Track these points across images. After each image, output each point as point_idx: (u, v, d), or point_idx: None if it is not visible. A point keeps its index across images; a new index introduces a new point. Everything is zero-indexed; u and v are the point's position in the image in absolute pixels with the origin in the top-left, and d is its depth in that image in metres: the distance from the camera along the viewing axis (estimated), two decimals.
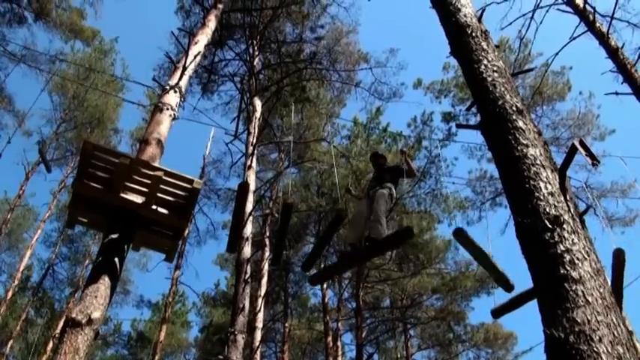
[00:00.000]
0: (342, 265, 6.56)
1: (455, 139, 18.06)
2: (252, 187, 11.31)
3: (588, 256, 3.27)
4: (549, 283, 3.08)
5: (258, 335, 12.26)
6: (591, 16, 11.12)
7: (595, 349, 2.71)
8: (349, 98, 18.84)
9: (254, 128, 12.53)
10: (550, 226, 3.43)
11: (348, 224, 7.01)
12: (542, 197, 3.66)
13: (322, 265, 19.22)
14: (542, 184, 3.77)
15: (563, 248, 3.26)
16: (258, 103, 13.45)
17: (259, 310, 12.61)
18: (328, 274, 7.40)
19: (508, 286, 6.39)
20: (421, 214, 18.65)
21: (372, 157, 7.41)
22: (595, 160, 4.73)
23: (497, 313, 6.68)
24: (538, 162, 3.95)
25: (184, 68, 8.05)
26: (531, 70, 12.64)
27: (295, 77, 16.09)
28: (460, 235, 5.88)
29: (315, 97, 17.58)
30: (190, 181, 5.66)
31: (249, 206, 10.66)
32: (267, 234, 16.75)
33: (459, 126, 10.65)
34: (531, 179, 3.83)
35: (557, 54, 12.08)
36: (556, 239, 3.31)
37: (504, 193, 4.39)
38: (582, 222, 3.67)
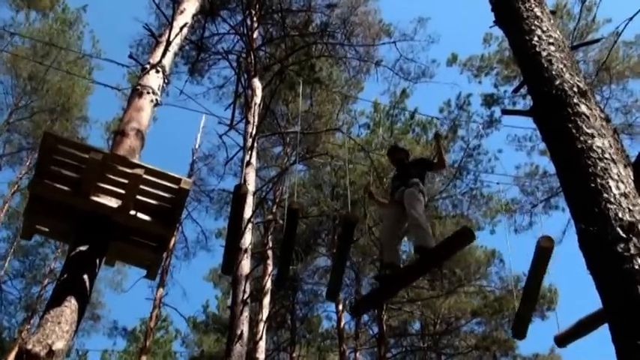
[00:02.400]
0: (387, 291, 6.55)
1: (499, 127, 17.97)
2: (251, 187, 11.30)
3: None
4: (625, 307, 3.01)
5: None
6: None
7: None
8: (368, 79, 18.80)
9: (253, 116, 12.52)
10: (623, 235, 3.36)
11: (380, 241, 7.05)
12: (612, 199, 3.59)
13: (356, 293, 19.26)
14: (612, 183, 3.70)
15: None
16: (258, 85, 13.43)
17: (260, 338, 12.60)
18: (371, 302, 7.39)
19: (519, 331, 6.34)
20: (457, 218, 18.58)
21: (391, 152, 7.49)
22: None
23: (563, 340, 6.58)
24: (607, 155, 3.88)
25: (168, 43, 8.04)
26: (596, 41, 12.40)
27: (303, 54, 16.07)
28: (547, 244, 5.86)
29: (326, 78, 17.56)
30: (177, 181, 5.65)
31: (247, 211, 10.64)
32: (270, 245, 16.76)
33: (504, 112, 10.56)
34: (598, 177, 3.76)
35: (630, 19, 11.81)
36: (632, 251, 3.24)
37: (563, 193, 4.32)
38: None
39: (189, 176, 17.77)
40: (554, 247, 5.90)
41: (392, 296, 14.02)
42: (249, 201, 10.96)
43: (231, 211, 6.15)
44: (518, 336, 6.49)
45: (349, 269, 20.94)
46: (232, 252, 6.67)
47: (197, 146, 19.96)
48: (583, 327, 6.36)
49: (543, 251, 5.89)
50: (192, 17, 9.21)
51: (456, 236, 5.79)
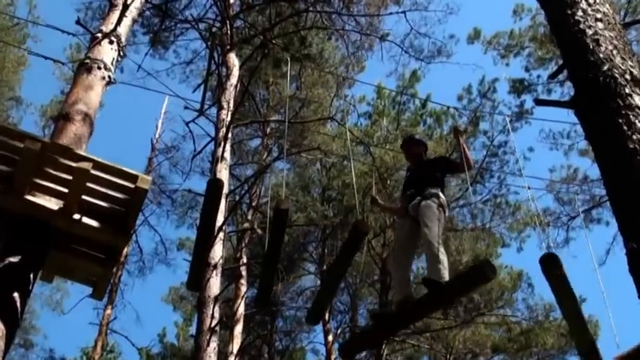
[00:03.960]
0: (385, 331, 6.56)
1: (530, 120, 18.03)
2: (224, 188, 11.29)
3: None
4: None
5: None
6: None
7: None
8: (371, 57, 18.77)
9: (228, 101, 12.52)
10: None
11: (391, 268, 7.06)
12: None
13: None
14: None
15: None
16: (234, 62, 13.42)
17: None
18: (365, 342, 7.36)
19: (592, 355, 6.35)
20: (477, 232, 18.62)
21: (406, 144, 7.37)
22: None
23: None
24: None
25: (125, 7, 8.02)
26: None
27: (291, 24, 16.06)
28: (551, 265, 5.81)
29: (319, 55, 17.57)
30: (133, 179, 5.62)
31: (219, 218, 10.61)
32: (245, 260, 16.73)
33: (538, 102, 10.49)
34: None
35: None
36: None
37: (610, 203, 4.34)
38: None
39: (148, 173, 17.70)
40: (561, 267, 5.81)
41: (391, 336, 14.06)
42: (222, 205, 10.94)
43: (202, 213, 6.09)
44: None
45: (343, 291, 20.97)
46: (199, 266, 6.64)
47: (158, 136, 19.93)
48: None
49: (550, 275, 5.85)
50: None
51: (473, 272, 5.78)
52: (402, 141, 7.70)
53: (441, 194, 6.45)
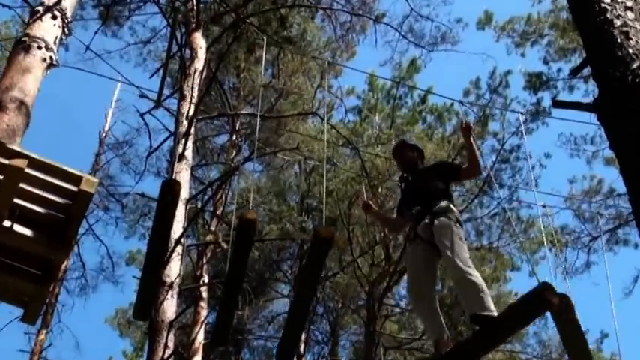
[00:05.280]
0: None
1: (548, 121, 18.10)
2: (183, 193, 11.27)
3: None
4: None
5: None
6: None
7: None
8: (363, 42, 18.82)
9: (191, 89, 12.50)
10: None
11: (414, 307, 6.96)
12: None
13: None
14: None
15: None
16: (200, 44, 13.42)
17: None
18: None
19: None
20: (482, 252, 18.65)
21: (399, 149, 7.35)
22: None
23: None
24: None
25: None
26: None
27: (268, 1, 16.06)
28: (562, 307, 5.82)
29: (301, 37, 17.58)
30: (76, 180, 5.61)
31: (176, 228, 10.60)
32: (206, 279, 16.69)
33: (556, 103, 10.58)
34: None
35: None
36: None
37: (635, 223, 4.39)
38: None
39: (94, 173, 17.65)
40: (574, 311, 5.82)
41: None
42: (180, 213, 10.92)
43: (155, 222, 6.07)
44: None
45: (322, 317, 20.96)
46: (151, 287, 6.63)
47: (107, 129, 19.85)
48: None
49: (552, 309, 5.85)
50: None
51: (531, 299, 5.67)
52: (394, 147, 7.65)
53: (454, 208, 6.42)
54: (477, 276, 5.90)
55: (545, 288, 5.50)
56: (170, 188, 5.74)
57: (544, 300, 5.48)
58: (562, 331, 5.92)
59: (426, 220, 6.32)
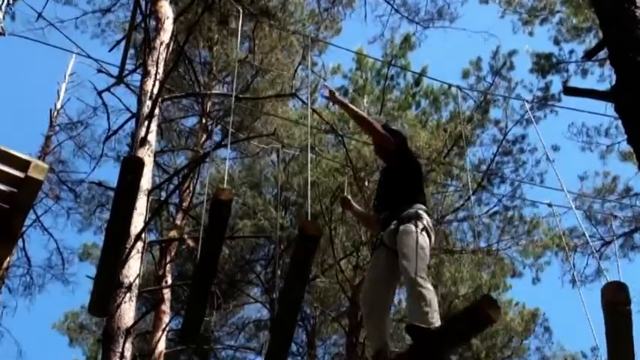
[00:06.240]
0: None
1: (556, 109, 18.15)
2: (145, 183, 11.26)
3: None
4: None
5: None
6: None
7: None
8: (350, 16, 18.87)
9: (156, 65, 12.49)
10: None
11: (362, 311, 7.03)
12: None
13: None
14: None
15: None
16: (167, 13, 13.41)
17: None
18: None
19: None
20: (480, 255, 18.71)
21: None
22: None
23: None
24: None
25: None
26: None
27: None
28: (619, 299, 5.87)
29: (281, 8, 17.56)
30: (23, 165, 5.62)
31: (137, 222, 10.60)
32: (169, 279, 16.69)
33: (569, 90, 10.62)
34: None
35: None
36: None
37: None
38: None
39: (44, 157, 17.56)
40: (630, 302, 5.89)
41: None
42: (141, 204, 10.92)
43: (112, 212, 6.05)
44: None
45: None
46: (107, 287, 6.55)
47: (60, 107, 19.73)
48: None
49: (613, 310, 5.91)
50: None
51: (470, 314, 5.73)
52: None
53: (423, 214, 6.43)
54: (428, 289, 5.94)
55: (484, 301, 5.61)
56: (131, 166, 5.67)
57: (482, 315, 5.54)
58: (612, 329, 5.99)
59: (392, 226, 6.40)
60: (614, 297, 5.80)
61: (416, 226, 6.25)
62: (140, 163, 5.75)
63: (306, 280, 6.25)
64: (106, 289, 6.56)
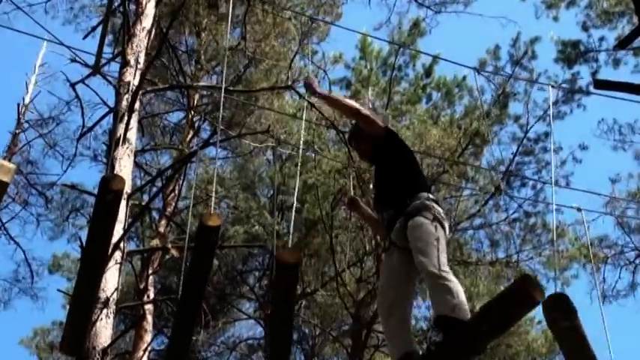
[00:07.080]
0: None
1: (585, 104, 18.14)
2: (127, 186, 11.24)
3: None
4: None
5: None
6: None
7: None
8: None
9: (137, 53, 12.48)
10: None
11: (381, 318, 7.03)
12: None
13: None
14: None
15: None
16: None
17: None
18: None
19: None
20: (498, 267, 18.72)
21: (353, 138, 7.44)
22: None
23: None
24: None
25: None
26: None
27: None
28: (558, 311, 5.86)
29: None
30: None
31: (115, 229, 10.56)
32: (152, 294, 16.69)
33: (599, 84, 10.67)
34: None
35: None
36: None
37: None
38: None
39: (10, 157, 17.56)
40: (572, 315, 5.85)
41: None
42: (120, 211, 10.89)
43: (91, 224, 6.05)
44: None
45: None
46: (82, 304, 6.57)
47: (28, 101, 19.74)
48: None
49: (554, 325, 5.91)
50: None
51: (508, 297, 5.74)
52: (349, 134, 7.76)
53: (431, 203, 6.41)
54: (454, 282, 5.91)
55: (524, 281, 5.63)
56: (110, 186, 5.70)
57: (526, 296, 5.50)
58: (562, 343, 6.02)
59: (398, 224, 6.41)
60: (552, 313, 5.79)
61: (426, 218, 6.25)
62: (120, 183, 5.79)
63: (293, 302, 6.26)
64: (80, 327, 6.55)
